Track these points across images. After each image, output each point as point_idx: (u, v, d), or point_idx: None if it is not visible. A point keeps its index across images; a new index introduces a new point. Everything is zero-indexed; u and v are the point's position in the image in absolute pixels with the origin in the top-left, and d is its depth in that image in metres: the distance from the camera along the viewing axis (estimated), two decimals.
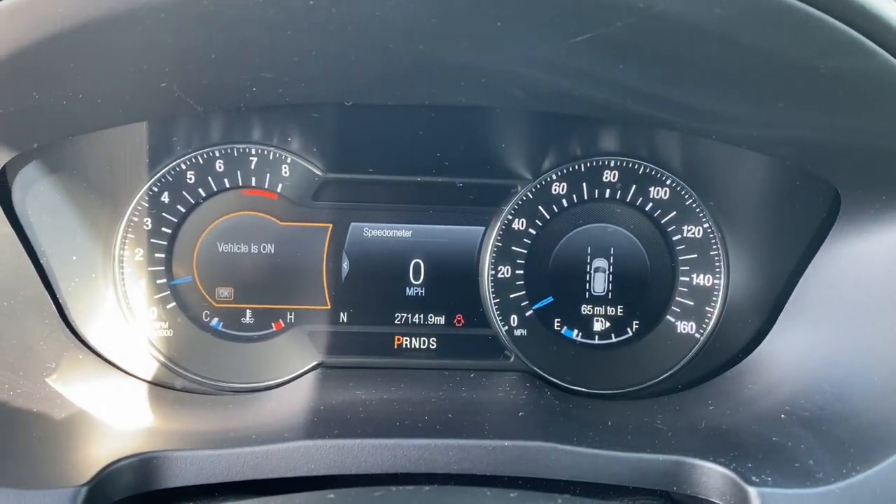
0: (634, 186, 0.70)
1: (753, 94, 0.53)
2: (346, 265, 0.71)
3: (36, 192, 0.65)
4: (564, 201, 0.70)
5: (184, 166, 0.68)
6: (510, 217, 0.70)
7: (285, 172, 0.69)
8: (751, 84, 0.52)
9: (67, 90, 0.49)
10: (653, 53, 0.49)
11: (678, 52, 0.48)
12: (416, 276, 0.71)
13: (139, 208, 0.67)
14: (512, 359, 0.71)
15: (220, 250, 0.69)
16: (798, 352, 0.65)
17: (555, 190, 0.70)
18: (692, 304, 0.70)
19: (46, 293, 0.66)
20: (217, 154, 0.68)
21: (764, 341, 0.67)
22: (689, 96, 0.52)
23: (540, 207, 0.70)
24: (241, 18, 0.41)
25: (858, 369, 0.61)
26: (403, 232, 0.71)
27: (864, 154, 0.59)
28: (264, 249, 0.70)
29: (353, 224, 0.71)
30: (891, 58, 0.46)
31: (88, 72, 0.47)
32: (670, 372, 0.70)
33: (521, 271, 0.71)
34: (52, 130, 0.59)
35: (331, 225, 0.71)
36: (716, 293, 0.70)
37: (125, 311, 0.68)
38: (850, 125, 0.55)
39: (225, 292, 0.70)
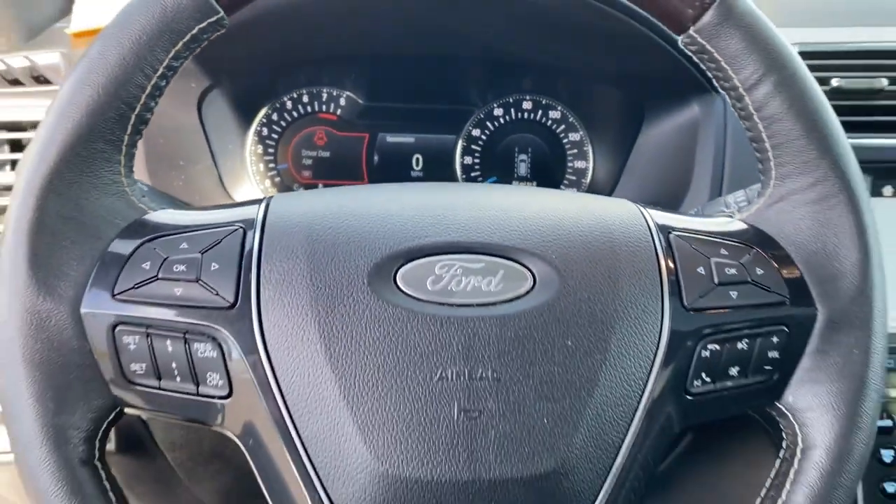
0: (540, 111, 1.10)
1: (572, 46, 0.94)
2: (376, 158, 1.11)
3: (213, 106, 1.00)
4: (502, 119, 1.10)
5: (286, 98, 1.09)
6: (470, 128, 1.10)
7: (342, 103, 1.10)
8: (570, 39, 0.93)
9: (282, 47, 0.97)
10: (528, 22, 0.90)
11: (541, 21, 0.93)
12: (417, 165, 1.12)
13: (262, 122, 1.09)
14: None
15: (304, 149, 1.12)
16: (625, 194, 1.12)
17: (495, 113, 1.10)
18: (574, 178, 1.11)
19: (214, 167, 1.04)
20: (304, 92, 1.09)
21: (613, 194, 1.15)
22: (548, 50, 0.99)
23: (487, 123, 1.10)
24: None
25: (662, 200, 1.06)
26: (408, 138, 1.10)
27: (643, 80, 0.97)
28: (329, 149, 1.12)
29: (380, 134, 1.10)
30: (635, 23, 0.85)
31: (305, 34, 0.94)
32: None
33: (478, 161, 1.12)
34: (241, 70, 1.00)
35: (367, 134, 1.09)
36: (588, 173, 1.11)
37: (254, 181, 1.10)
38: (623, 65, 0.96)
39: (307, 173, 1.11)
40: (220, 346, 0.51)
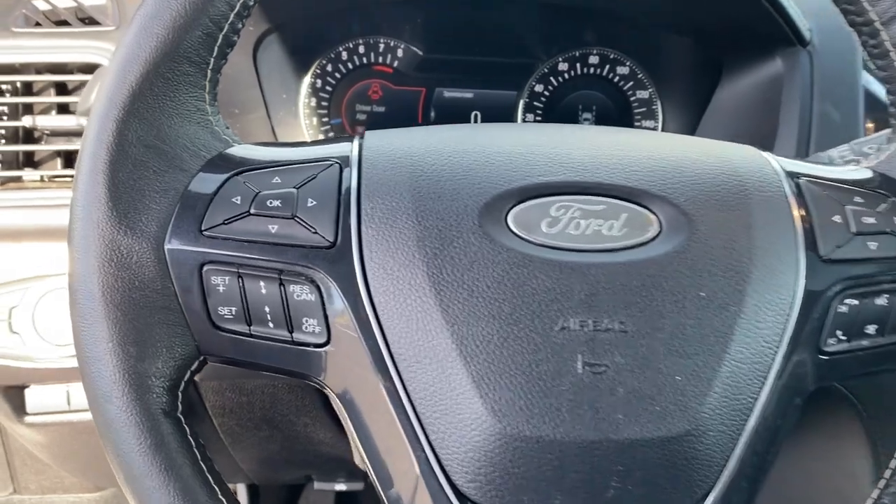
0: (608, 66, 1.07)
1: None
2: (433, 114, 1.08)
3: (268, 53, 0.99)
4: (566, 75, 1.07)
5: (341, 48, 1.06)
6: (534, 83, 1.07)
7: (399, 54, 1.06)
8: None
9: None
10: None
11: None
12: (475, 122, 1.08)
13: (316, 72, 1.06)
14: None
15: (357, 102, 1.08)
16: None
17: (560, 67, 1.07)
18: None
19: (267, 118, 1.00)
20: (360, 42, 1.06)
21: None
22: None
23: (551, 78, 1.07)
24: None
25: None
26: (467, 93, 1.07)
27: (722, 31, 0.94)
28: (384, 103, 1.08)
29: (437, 88, 1.07)
30: None
31: None
32: None
33: (540, 119, 1.08)
34: (298, 14, 0.97)
35: (424, 89, 1.07)
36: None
37: (307, 136, 1.06)
38: (700, 15, 0.94)
39: (360, 129, 1.08)
40: (318, 288, 0.48)
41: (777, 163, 0.56)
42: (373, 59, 1.08)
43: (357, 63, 1.08)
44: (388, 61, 1.09)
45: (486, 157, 0.50)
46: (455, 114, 1.10)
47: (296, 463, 1.20)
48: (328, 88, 1.08)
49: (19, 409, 0.90)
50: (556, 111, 1.10)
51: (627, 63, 1.09)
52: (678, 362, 0.47)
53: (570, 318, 0.46)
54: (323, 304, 0.48)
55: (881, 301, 0.51)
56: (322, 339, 0.48)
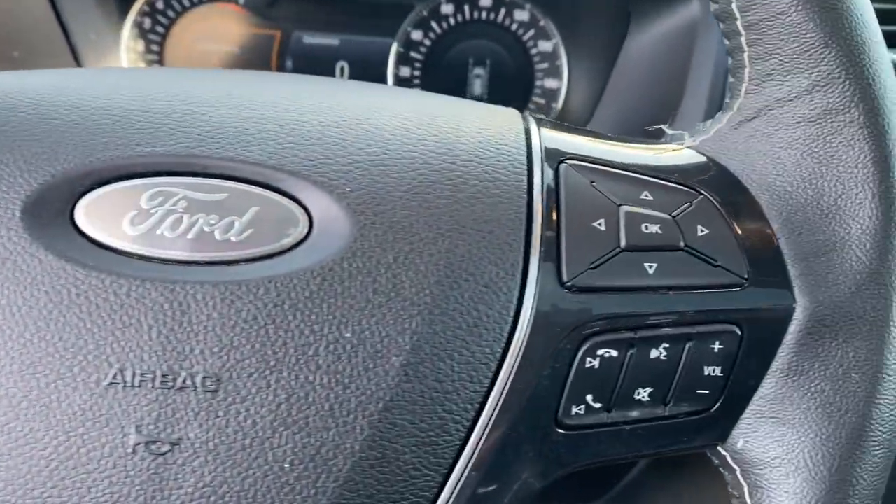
0: (503, 10, 0.88)
1: None
2: (289, 63, 0.91)
3: None
4: (452, 20, 0.89)
5: None
6: (409, 29, 0.89)
7: None
8: None
9: None
10: None
11: None
12: (342, 74, 0.91)
13: (143, 10, 0.88)
14: None
15: (198, 48, 0.91)
16: (605, 120, 0.88)
17: (443, 10, 0.89)
18: (544, 101, 0.90)
19: (74, 62, 0.83)
20: None
21: (591, 122, 0.91)
22: None
23: (432, 23, 0.89)
24: None
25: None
26: (332, 40, 0.90)
27: None
28: (230, 49, 0.91)
29: (296, 32, 0.90)
30: None
31: None
32: None
33: (419, 74, 0.90)
34: None
35: (279, 32, 0.90)
36: (560, 94, 0.89)
37: None
38: None
39: None
40: None
41: (538, 137, 0.39)
42: None
43: None
44: None
45: (63, 114, 0.35)
46: (316, 64, 0.92)
47: None
48: (159, 29, 0.91)
49: None
50: (440, 65, 0.91)
51: (527, 7, 0.90)
52: (293, 441, 0.31)
53: (127, 365, 0.31)
54: None
55: (658, 353, 0.36)
56: None
